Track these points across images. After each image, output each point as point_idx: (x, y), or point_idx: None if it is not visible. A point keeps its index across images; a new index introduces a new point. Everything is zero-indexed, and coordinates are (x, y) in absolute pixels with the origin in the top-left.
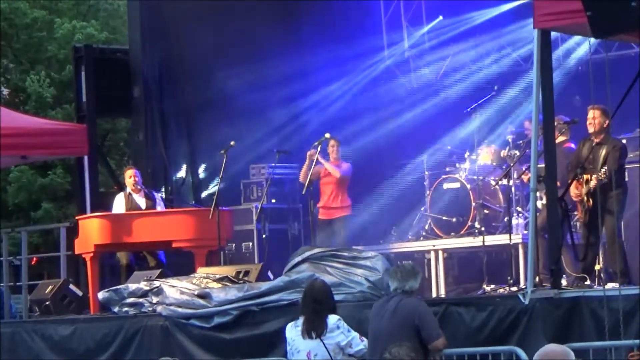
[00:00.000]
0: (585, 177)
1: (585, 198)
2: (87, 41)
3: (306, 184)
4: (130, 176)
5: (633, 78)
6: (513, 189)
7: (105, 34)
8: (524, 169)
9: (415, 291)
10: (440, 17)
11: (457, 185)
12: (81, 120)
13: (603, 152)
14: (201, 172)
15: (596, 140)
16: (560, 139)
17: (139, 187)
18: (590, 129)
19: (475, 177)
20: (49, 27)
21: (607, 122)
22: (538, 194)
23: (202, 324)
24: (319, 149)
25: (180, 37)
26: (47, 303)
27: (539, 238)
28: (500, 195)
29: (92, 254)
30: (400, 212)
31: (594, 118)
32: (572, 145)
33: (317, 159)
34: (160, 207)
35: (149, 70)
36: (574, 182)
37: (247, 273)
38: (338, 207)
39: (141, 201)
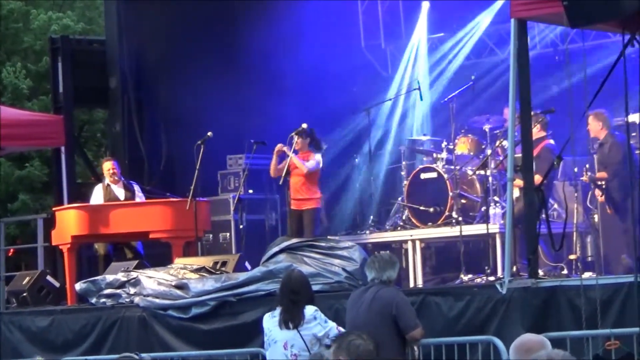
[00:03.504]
0: None
1: None
2: (64, 32)
3: (283, 174)
4: (108, 169)
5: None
6: (490, 178)
7: (82, 25)
8: (500, 158)
9: (393, 281)
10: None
11: (434, 175)
12: (58, 112)
13: None
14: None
15: None
16: (539, 134)
17: (117, 178)
18: None
19: (452, 167)
20: (25, 18)
21: None
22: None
23: (180, 315)
24: (296, 138)
25: (156, 28)
26: (25, 294)
27: (516, 228)
28: (478, 185)
29: (69, 245)
30: (378, 203)
31: None
32: (552, 142)
33: (286, 152)
34: (139, 198)
35: (126, 61)
36: None
37: (224, 264)
38: (307, 199)
39: (120, 192)
